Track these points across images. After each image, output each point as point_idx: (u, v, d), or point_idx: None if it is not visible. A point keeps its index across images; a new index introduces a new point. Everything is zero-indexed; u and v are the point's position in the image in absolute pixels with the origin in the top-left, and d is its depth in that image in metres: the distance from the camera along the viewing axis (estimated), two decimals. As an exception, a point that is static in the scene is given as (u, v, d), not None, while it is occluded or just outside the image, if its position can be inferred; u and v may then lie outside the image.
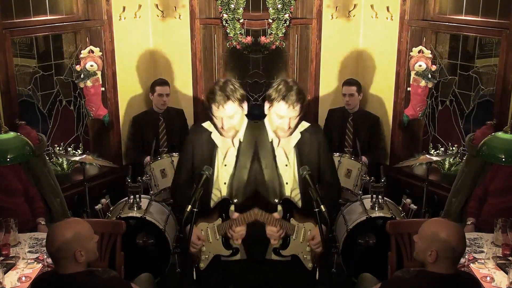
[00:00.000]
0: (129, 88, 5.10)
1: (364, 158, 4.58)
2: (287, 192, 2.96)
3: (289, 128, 2.86)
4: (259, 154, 2.92)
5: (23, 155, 3.05)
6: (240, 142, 2.94)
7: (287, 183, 2.95)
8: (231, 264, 3.01)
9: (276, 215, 2.83)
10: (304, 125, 2.99)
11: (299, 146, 2.95)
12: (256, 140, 2.94)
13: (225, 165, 2.94)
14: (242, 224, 2.84)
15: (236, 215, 2.84)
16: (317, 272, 2.94)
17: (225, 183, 2.95)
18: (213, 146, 2.95)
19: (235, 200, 2.90)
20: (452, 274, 2.32)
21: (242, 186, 2.91)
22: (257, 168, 2.91)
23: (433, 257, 2.30)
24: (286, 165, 2.94)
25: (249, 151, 2.92)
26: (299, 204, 2.97)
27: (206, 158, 2.94)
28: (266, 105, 2.91)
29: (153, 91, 4.80)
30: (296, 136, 2.95)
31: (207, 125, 3.00)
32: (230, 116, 2.82)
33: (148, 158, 4.58)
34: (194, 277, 2.97)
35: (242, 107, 2.87)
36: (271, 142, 2.95)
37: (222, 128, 2.85)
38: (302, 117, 2.92)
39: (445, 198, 4.34)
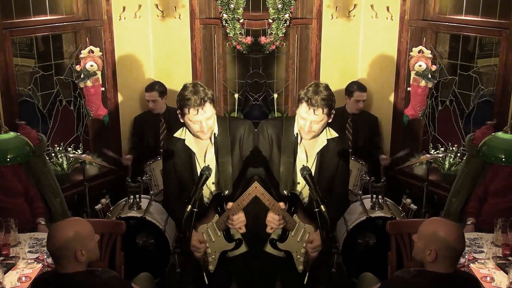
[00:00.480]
0: (129, 88, 5.10)
1: (384, 157, 4.68)
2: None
3: (310, 131, 2.86)
4: (281, 146, 2.93)
5: (23, 155, 3.05)
6: (215, 136, 2.94)
7: (299, 183, 2.96)
8: (234, 260, 3.01)
9: (282, 204, 2.83)
10: (333, 134, 3.00)
11: (322, 153, 2.96)
12: (279, 133, 2.95)
13: (208, 165, 2.94)
14: (238, 211, 2.82)
15: (230, 204, 2.83)
16: (306, 277, 2.92)
17: (213, 183, 2.97)
18: (189, 153, 2.96)
19: (226, 192, 2.91)
20: (452, 273, 2.32)
21: (229, 177, 2.92)
22: (276, 158, 2.92)
23: (433, 256, 2.30)
24: (303, 165, 2.93)
25: (226, 144, 2.93)
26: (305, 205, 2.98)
27: (186, 166, 2.96)
28: (296, 106, 2.91)
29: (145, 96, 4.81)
30: (322, 142, 2.96)
31: (178, 134, 3.00)
32: (209, 117, 2.83)
33: (130, 157, 4.70)
34: (206, 282, 2.94)
35: (215, 107, 2.88)
36: (296, 136, 2.95)
37: (202, 131, 2.85)
38: (328, 123, 2.91)
39: (445, 198, 4.34)
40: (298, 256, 2.95)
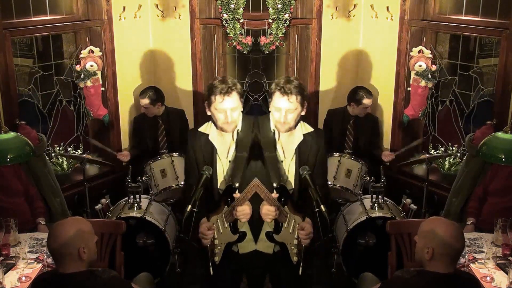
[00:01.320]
0: (129, 88, 5.10)
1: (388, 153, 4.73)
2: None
3: (285, 122, 2.87)
4: (262, 144, 2.94)
5: (23, 155, 3.05)
6: (238, 133, 2.95)
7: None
8: (243, 256, 3.04)
9: (274, 194, 2.85)
10: (308, 128, 3.01)
11: (299, 148, 2.97)
12: (257, 130, 2.97)
13: (230, 161, 2.96)
14: (244, 202, 2.84)
15: (237, 194, 2.84)
16: (301, 267, 2.93)
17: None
18: (212, 148, 2.97)
19: (236, 184, 2.90)
20: (452, 273, 2.33)
21: (241, 171, 2.92)
22: (259, 157, 2.93)
23: (430, 254, 2.30)
24: (282, 161, 2.97)
25: (247, 140, 2.94)
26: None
27: (208, 160, 2.98)
28: (270, 100, 2.94)
29: None
30: (299, 138, 2.97)
31: (203, 129, 3.01)
32: (233, 108, 2.85)
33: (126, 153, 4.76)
34: (211, 273, 2.96)
35: (241, 101, 2.90)
36: (273, 133, 2.96)
37: (226, 121, 2.86)
38: (302, 116, 2.94)
39: (445, 198, 4.34)
40: (292, 247, 2.97)
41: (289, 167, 2.96)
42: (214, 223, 2.96)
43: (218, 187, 2.98)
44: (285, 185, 2.94)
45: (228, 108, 2.83)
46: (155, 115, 4.80)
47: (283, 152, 2.97)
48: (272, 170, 2.94)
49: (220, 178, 2.97)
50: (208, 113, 2.93)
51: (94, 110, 4.79)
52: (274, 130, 2.96)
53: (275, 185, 2.90)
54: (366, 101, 4.70)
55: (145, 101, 4.70)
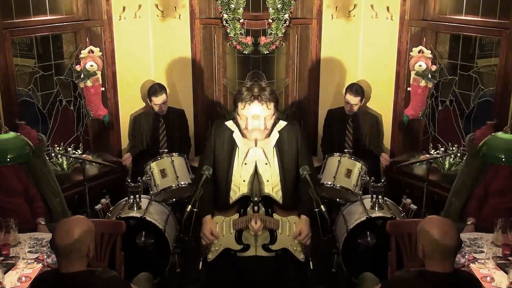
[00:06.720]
0: (129, 88, 5.10)
1: (386, 156, 4.72)
2: (268, 190, 3.03)
3: (266, 128, 2.93)
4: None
5: (23, 155, 3.04)
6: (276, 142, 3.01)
7: (268, 181, 3.03)
8: (241, 259, 3.07)
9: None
10: (282, 124, 3.08)
11: (278, 145, 3.03)
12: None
13: (245, 164, 3.01)
14: (260, 221, 2.91)
15: (262, 211, 2.93)
16: (311, 262, 3.00)
17: (244, 181, 3.03)
18: (233, 145, 3.03)
19: (255, 199, 2.97)
20: (451, 273, 2.32)
21: (261, 186, 2.99)
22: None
23: (421, 251, 2.32)
24: (266, 164, 3.01)
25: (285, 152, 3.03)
26: (281, 200, 3.06)
27: (226, 155, 3.04)
28: (240, 106, 2.94)
29: (150, 100, 4.73)
30: (275, 135, 3.03)
31: (229, 124, 3.07)
32: (255, 116, 2.87)
33: (128, 155, 4.69)
34: (200, 267, 3.04)
35: (269, 108, 2.90)
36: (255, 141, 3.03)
37: (246, 128, 2.91)
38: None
39: (445, 198, 4.34)
40: (294, 248, 3.01)
41: (273, 167, 3.02)
42: (218, 222, 3.00)
43: (232, 184, 3.03)
44: (269, 195, 2.98)
45: (249, 115, 2.86)
46: (157, 114, 4.79)
47: (265, 154, 3.02)
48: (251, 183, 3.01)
49: (236, 175, 3.02)
50: (234, 115, 2.99)
51: (94, 110, 4.79)
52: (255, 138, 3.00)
53: (256, 199, 2.96)
54: (348, 96, 4.69)
55: (164, 96, 4.68)
